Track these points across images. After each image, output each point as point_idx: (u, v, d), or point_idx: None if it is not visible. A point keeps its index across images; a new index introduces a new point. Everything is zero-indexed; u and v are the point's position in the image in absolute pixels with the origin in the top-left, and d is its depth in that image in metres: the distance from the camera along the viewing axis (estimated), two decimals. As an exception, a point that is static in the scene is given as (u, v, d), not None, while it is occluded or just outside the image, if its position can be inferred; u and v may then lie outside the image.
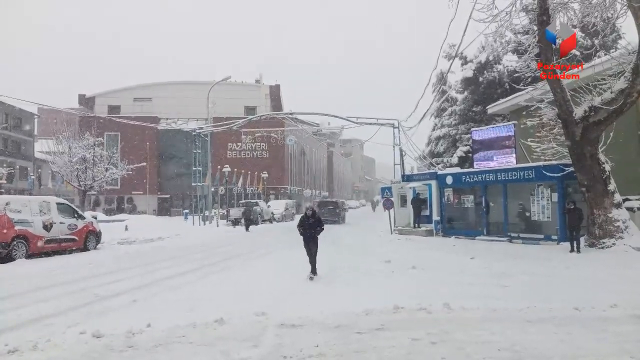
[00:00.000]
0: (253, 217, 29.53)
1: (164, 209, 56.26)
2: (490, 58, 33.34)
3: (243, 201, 39.33)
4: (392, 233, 21.65)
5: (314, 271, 10.04)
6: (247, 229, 27.25)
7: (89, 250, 16.70)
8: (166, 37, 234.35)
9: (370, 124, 33.48)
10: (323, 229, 10.34)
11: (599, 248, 13.08)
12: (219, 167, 39.62)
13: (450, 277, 9.89)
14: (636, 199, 14.67)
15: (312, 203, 10.67)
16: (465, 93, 35.59)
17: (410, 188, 22.36)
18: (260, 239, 21.90)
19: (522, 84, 16.23)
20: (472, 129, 24.23)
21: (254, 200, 38.55)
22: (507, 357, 4.92)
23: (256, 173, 51.00)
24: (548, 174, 15.10)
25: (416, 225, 21.29)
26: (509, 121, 22.68)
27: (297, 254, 14.76)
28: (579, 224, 13.25)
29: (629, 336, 5.58)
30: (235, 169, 46.03)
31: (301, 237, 10.53)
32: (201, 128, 37.19)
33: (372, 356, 5.04)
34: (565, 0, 13.54)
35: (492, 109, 24.86)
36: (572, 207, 13.39)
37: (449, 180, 20.01)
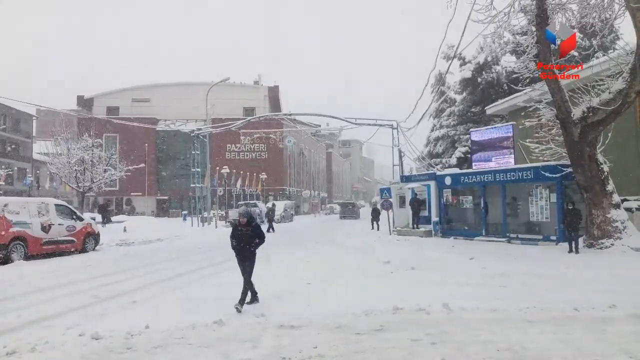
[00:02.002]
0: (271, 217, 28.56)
1: (162, 210, 56.21)
2: (489, 59, 33.44)
3: (242, 202, 39.32)
4: (390, 234, 21.67)
5: (242, 301, 7.30)
6: (269, 229, 26.30)
7: (87, 251, 16.68)
8: (165, 38, 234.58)
9: (369, 124, 33.54)
10: (263, 241, 7.68)
11: (598, 248, 13.09)
12: (217, 168, 39.59)
13: (449, 277, 9.89)
14: (634, 200, 14.70)
15: (244, 207, 7.53)
16: (464, 94, 35.67)
17: (409, 189, 22.38)
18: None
19: (520, 84, 16.25)
20: (471, 130, 24.27)
21: (253, 202, 38.54)
22: (506, 357, 4.92)
23: (255, 174, 51.00)
24: (546, 174, 15.12)
25: (415, 226, 21.31)
26: (507, 122, 22.72)
27: (296, 255, 14.82)
28: (577, 225, 13.28)
29: (628, 336, 5.59)
30: (234, 170, 46.02)
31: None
32: (200, 129, 37.19)
33: (371, 357, 5.04)
34: (563, 1, 13.57)
35: (490, 109, 24.90)
36: (571, 207, 13.43)
37: (448, 181, 20.04)
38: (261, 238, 7.66)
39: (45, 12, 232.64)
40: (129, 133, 52.86)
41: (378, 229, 25.28)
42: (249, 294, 7.60)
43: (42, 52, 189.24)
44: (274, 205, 32.93)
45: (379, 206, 35.25)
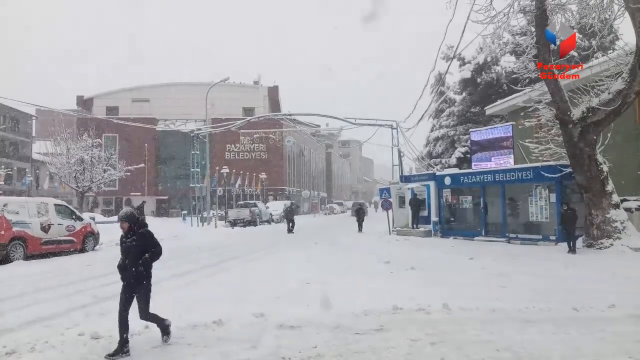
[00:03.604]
0: (293, 217, 26.70)
1: (162, 211, 56.18)
2: (489, 59, 33.47)
3: (241, 202, 39.35)
4: (390, 234, 21.68)
5: (164, 331, 5.59)
6: (289, 230, 25.32)
7: (87, 251, 16.67)
8: (165, 38, 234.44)
9: (369, 124, 33.56)
10: (156, 255, 5.44)
11: (597, 249, 13.10)
12: (217, 168, 39.60)
13: (449, 277, 9.90)
14: (634, 200, 14.71)
15: (128, 207, 6.15)
16: (464, 94, 35.71)
17: (408, 189, 22.40)
18: (259, 240, 21.89)
19: (520, 85, 16.26)
20: (471, 130, 24.29)
21: (252, 202, 38.54)
22: (506, 357, 4.93)
23: (254, 174, 50.99)
24: (546, 174, 15.13)
25: (414, 226, 21.32)
26: (507, 122, 22.73)
27: (295, 255, 14.81)
28: (574, 225, 13.30)
29: (628, 336, 5.60)
30: (234, 170, 46.00)
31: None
32: (199, 129, 37.19)
33: (371, 357, 5.04)
34: (562, 2, 13.58)
35: (490, 109, 24.91)
36: (566, 208, 13.47)
37: (448, 181, 20.04)
38: (154, 250, 5.41)
39: (45, 12, 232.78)
40: (128, 133, 52.84)
41: (361, 231, 24.61)
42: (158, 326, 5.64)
43: (42, 52, 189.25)
44: (292, 204, 31.54)
45: (365, 206, 34.98)
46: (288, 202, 44.46)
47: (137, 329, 6.01)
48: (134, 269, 5.31)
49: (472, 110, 34.48)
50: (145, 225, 5.54)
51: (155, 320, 5.57)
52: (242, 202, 39.62)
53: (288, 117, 49.66)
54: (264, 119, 44.21)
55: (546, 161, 16.41)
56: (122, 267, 5.42)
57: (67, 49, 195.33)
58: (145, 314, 5.45)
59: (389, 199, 22.84)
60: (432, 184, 20.86)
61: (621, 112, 12.93)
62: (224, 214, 38.03)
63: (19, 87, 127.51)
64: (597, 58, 15.30)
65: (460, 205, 20.02)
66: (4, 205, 14.07)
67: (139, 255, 5.33)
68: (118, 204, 56.12)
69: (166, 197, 57.71)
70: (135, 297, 5.37)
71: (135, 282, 5.36)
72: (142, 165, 48.04)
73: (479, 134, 21.87)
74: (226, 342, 5.63)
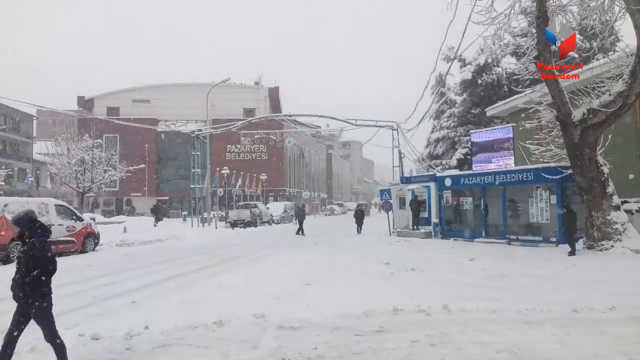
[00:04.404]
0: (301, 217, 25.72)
1: (162, 211, 56.14)
2: (489, 60, 33.48)
3: (242, 203, 39.37)
4: (390, 235, 21.67)
5: None
6: (299, 231, 24.42)
7: (87, 252, 16.68)
8: (165, 38, 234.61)
9: (369, 125, 33.53)
10: (46, 272, 4.39)
11: (598, 250, 13.09)
12: (217, 169, 39.60)
13: (449, 278, 9.90)
14: (634, 202, 14.70)
15: (25, 210, 4.90)
16: (464, 95, 35.70)
17: (409, 190, 22.40)
18: (259, 241, 21.89)
19: (520, 86, 16.27)
20: (471, 131, 24.28)
21: (253, 202, 38.55)
22: (505, 358, 4.93)
23: (255, 175, 51.03)
24: (546, 176, 15.13)
25: (415, 227, 21.31)
26: (507, 123, 22.73)
27: (295, 256, 14.82)
28: (573, 227, 13.29)
29: (628, 338, 5.59)
30: (234, 171, 46.01)
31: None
32: (200, 130, 37.21)
33: (371, 358, 5.05)
34: (563, 3, 13.59)
35: (490, 111, 24.92)
36: (564, 210, 13.46)
37: (448, 182, 20.04)
38: (42, 267, 4.36)
39: (45, 13, 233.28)
40: (129, 134, 52.83)
41: (359, 232, 24.49)
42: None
43: (43, 52, 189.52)
44: (304, 206, 31.27)
45: (365, 207, 34.77)
46: (289, 203, 44.46)
47: (136, 330, 6.02)
48: (25, 287, 4.36)
49: (472, 111, 34.48)
50: (42, 234, 4.62)
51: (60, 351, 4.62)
52: (242, 202, 39.63)
53: (288, 117, 49.66)
54: (264, 119, 44.23)
55: (547, 163, 16.41)
56: (13, 283, 4.46)
57: (67, 48, 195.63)
58: (52, 338, 4.59)
59: (390, 200, 22.84)
60: (432, 185, 20.86)
61: (622, 113, 12.93)
62: (224, 215, 38.02)
63: (19, 88, 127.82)
64: (597, 60, 15.31)
65: (460, 207, 20.01)
66: (5, 206, 14.08)
67: (29, 269, 4.36)
68: (118, 204, 56.18)
69: (166, 198, 57.72)
70: (32, 319, 4.51)
71: (25, 302, 4.41)
72: (143, 165, 48.03)
73: (480, 135, 21.88)
74: (226, 342, 5.63)
